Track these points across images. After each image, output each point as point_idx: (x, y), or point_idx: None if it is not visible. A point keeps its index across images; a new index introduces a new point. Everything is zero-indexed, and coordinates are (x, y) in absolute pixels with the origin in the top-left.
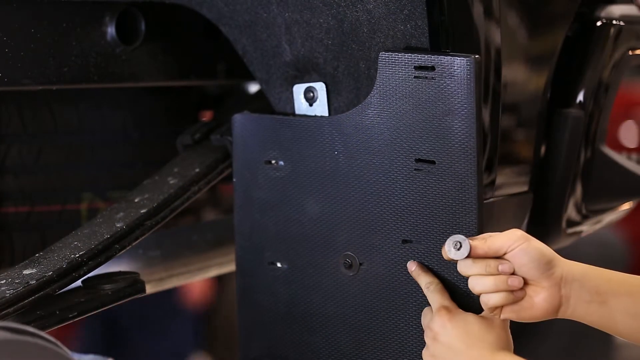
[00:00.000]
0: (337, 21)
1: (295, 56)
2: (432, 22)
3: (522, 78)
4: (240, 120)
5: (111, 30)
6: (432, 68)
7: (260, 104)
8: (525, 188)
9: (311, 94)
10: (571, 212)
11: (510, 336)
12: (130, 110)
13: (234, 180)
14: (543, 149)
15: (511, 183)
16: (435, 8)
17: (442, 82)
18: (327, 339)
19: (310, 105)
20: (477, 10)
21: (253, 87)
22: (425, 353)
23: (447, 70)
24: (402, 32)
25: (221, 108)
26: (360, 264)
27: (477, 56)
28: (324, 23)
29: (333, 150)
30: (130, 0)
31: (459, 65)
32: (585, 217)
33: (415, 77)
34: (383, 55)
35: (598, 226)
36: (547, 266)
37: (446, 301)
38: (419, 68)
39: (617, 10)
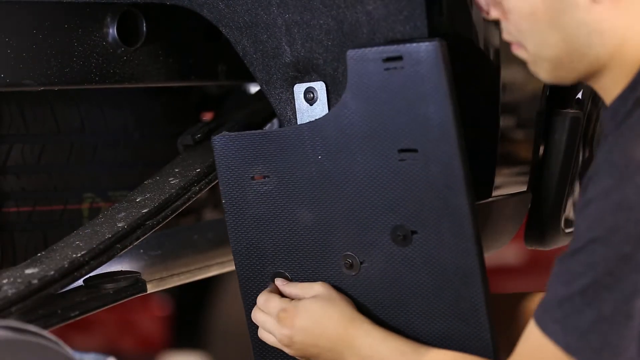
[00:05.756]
0: (337, 22)
1: (295, 57)
2: (432, 23)
3: (520, 78)
4: (220, 141)
5: (112, 31)
6: (400, 58)
7: (260, 104)
8: (524, 188)
9: (311, 95)
10: (570, 212)
11: (353, 305)
12: (131, 111)
13: (223, 201)
14: (542, 149)
15: (510, 183)
16: (435, 9)
17: (412, 70)
18: None
19: (311, 105)
20: (476, 11)
21: (253, 88)
22: (290, 352)
23: (415, 58)
24: (402, 33)
25: (222, 108)
26: (361, 263)
27: (442, 39)
28: (324, 24)
29: (316, 156)
30: (132, 2)
31: (425, 50)
32: None
33: (385, 69)
34: (351, 52)
35: None
36: None
37: (281, 304)
38: (388, 60)
39: None
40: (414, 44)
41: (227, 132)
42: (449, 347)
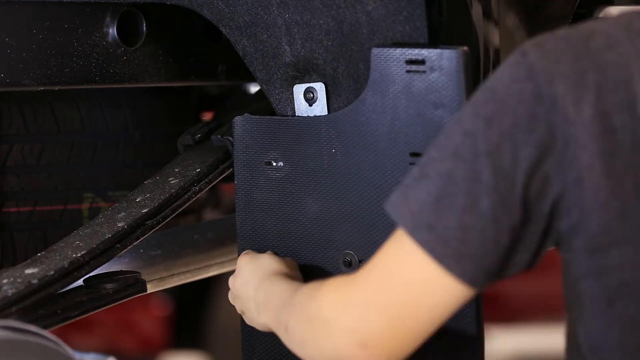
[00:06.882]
0: (337, 22)
1: (295, 57)
2: (431, 23)
3: None
4: (241, 122)
5: (112, 31)
6: (423, 62)
7: (261, 104)
8: None
9: (311, 95)
10: None
11: (283, 267)
12: (131, 111)
13: (236, 182)
14: None
15: None
16: (434, 9)
17: (432, 74)
18: None
19: (310, 105)
20: (476, 11)
21: (253, 88)
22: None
23: (437, 63)
24: (401, 33)
25: (222, 108)
26: (360, 261)
27: (465, 48)
28: (324, 24)
29: (330, 149)
30: (131, 1)
31: (447, 57)
32: None
33: (406, 71)
34: (375, 51)
35: None
36: None
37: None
38: (410, 62)
39: (614, 11)
40: (437, 50)
41: (248, 114)
42: (436, 357)
